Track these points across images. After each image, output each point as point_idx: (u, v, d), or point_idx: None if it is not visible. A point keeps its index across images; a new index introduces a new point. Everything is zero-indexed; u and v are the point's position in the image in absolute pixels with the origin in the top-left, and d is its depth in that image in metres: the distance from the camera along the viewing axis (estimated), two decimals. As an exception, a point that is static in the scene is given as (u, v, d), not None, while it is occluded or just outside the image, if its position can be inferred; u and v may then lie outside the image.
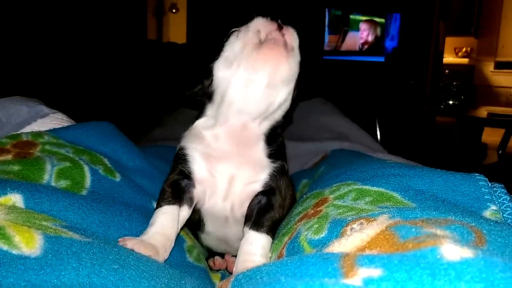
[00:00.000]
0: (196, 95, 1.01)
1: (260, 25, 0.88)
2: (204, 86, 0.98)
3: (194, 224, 1.03)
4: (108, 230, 0.77)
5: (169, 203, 0.89)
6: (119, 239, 0.75)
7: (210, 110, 0.98)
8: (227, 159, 0.93)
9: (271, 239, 0.89)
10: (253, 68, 0.87)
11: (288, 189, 1.05)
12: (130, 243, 0.74)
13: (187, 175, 0.93)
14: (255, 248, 0.86)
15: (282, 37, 0.88)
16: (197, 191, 0.94)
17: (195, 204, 0.95)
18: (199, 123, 0.99)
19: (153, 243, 0.79)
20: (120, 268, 0.59)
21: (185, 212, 0.91)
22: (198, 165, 0.94)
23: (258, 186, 0.94)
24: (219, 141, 0.93)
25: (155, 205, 0.99)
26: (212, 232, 1.03)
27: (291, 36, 0.89)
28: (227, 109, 0.92)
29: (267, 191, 0.93)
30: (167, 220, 0.86)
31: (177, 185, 0.93)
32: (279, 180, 0.95)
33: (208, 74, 0.96)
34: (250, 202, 0.93)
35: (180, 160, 0.95)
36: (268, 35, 0.87)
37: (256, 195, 0.93)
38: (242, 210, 0.94)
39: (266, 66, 0.86)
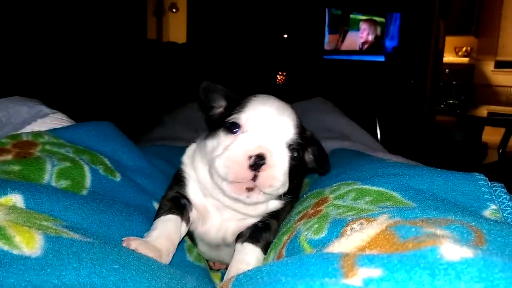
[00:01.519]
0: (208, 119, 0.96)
1: (234, 169, 0.79)
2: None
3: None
4: (109, 230, 0.77)
5: (172, 213, 0.89)
6: (123, 239, 0.75)
7: (200, 144, 0.95)
8: (221, 201, 0.90)
9: (264, 255, 0.88)
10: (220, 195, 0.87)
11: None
12: (134, 243, 0.74)
13: (185, 198, 0.93)
14: (249, 258, 0.86)
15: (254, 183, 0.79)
16: (193, 214, 0.93)
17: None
18: (193, 147, 0.98)
19: (158, 246, 0.78)
20: (121, 268, 0.59)
21: (183, 228, 0.91)
22: (194, 194, 0.93)
23: (253, 220, 0.93)
24: (213, 187, 0.89)
25: (155, 205, 0.99)
26: (204, 252, 1.03)
27: (269, 179, 0.79)
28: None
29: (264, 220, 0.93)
30: (171, 227, 0.86)
31: (177, 200, 0.92)
32: (278, 212, 0.94)
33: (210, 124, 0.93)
34: None
35: (178, 182, 0.95)
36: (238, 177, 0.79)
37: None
38: (233, 237, 0.93)
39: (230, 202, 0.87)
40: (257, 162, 0.78)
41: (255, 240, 0.89)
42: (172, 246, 0.83)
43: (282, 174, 0.81)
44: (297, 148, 0.85)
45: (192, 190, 0.93)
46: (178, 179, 0.95)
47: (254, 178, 0.78)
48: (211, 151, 0.85)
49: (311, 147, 0.95)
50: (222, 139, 0.83)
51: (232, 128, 0.82)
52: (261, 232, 0.90)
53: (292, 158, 0.84)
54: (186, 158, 0.97)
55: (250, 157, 0.78)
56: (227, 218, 0.92)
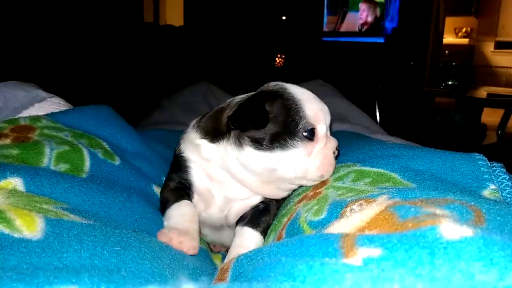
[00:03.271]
0: (234, 124, 0.85)
1: (329, 169, 0.87)
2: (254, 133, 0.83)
3: None
4: (110, 210, 0.77)
5: (184, 198, 0.89)
6: (157, 233, 0.77)
7: (225, 148, 0.87)
8: (226, 183, 0.91)
9: (263, 239, 0.89)
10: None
11: None
12: (175, 236, 0.77)
13: (187, 186, 0.92)
14: (249, 243, 0.86)
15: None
16: (195, 200, 0.93)
17: None
18: (207, 146, 0.90)
19: (187, 230, 0.81)
20: (122, 250, 0.59)
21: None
22: (198, 180, 0.92)
23: (256, 200, 0.93)
24: (221, 174, 0.90)
25: (155, 188, 0.99)
26: (206, 235, 1.03)
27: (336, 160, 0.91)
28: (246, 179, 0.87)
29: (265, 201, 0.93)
30: (189, 210, 0.87)
31: (181, 189, 0.92)
32: None
33: (261, 137, 0.83)
34: None
35: (180, 169, 0.93)
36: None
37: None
38: (236, 218, 0.94)
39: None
40: (338, 153, 0.90)
41: (255, 225, 0.89)
42: (197, 230, 0.85)
43: None
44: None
45: (197, 176, 0.92)
46: (180, 166, 0.93)
47: None
48: (287, 162, 0.83)
49: None
50: (302, 148, 0.83)
51: (309, 134, 0.84)
52: (261, 216, 0.91)
53: None
54: (190, 153, 0.93)
55: (334, 152, 0.88)
56: (231, 198, 0.92)
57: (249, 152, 0.83)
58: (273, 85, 0.89)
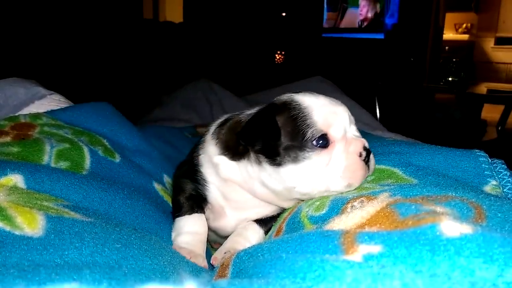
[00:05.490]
0: (247, 143, 0.81)
1: (358, 175, 0.77)
2: (266, 149, 0.79)
3: None
4: (110, 207, 0.77)
5: (195, 212, 0.88)
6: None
7: (246, 167, 0.82)
8: (241, 204, 0.88)
9: (265, 237, 0.88)
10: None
11: None
12: (187, 253, 0.77)
13: (202, 197, 0.90)
14: (250, 234, 0.86)
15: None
16: (206, 212, 0.91)
17: None
18: (226, 165, 0.85)
19: (198, 251, 0.81)
20: (123, 247, 0.60)
21: None
22: (213, 198, 0.89)
23: (269, 213, 0.90)
24: (240, 195, 0.87)
25: (155, 185, 0.99)
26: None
27: (373, 160, 0.82)
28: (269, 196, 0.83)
29: None
30: (201, 228, 0.87)
31: (196, 198, 0.90)
32: None
33: (276, 148, 0.77)
34: None
35: (197, 181, 0.89)
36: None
37: None
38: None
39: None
40: (367, 155, 0.79)
41: (262, 223, 0.89)
42: (205, 249, 0.85)
43: None
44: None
45: (213, 193, 0.89)
46: (197, 178, 0.90)
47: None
48: (304, 177, 0.77)
49: None
50: (316, 158, 0.76)
51: (322, 142, 0.76)
52: (271, 219, 0.89)
53: None
54: (208, 171, 0.89)
55: (361, 155, 0.78)
56: (244, 218, 0.90)
57: (268, 170, 0.79)
58: (283, 96, 0.83)
